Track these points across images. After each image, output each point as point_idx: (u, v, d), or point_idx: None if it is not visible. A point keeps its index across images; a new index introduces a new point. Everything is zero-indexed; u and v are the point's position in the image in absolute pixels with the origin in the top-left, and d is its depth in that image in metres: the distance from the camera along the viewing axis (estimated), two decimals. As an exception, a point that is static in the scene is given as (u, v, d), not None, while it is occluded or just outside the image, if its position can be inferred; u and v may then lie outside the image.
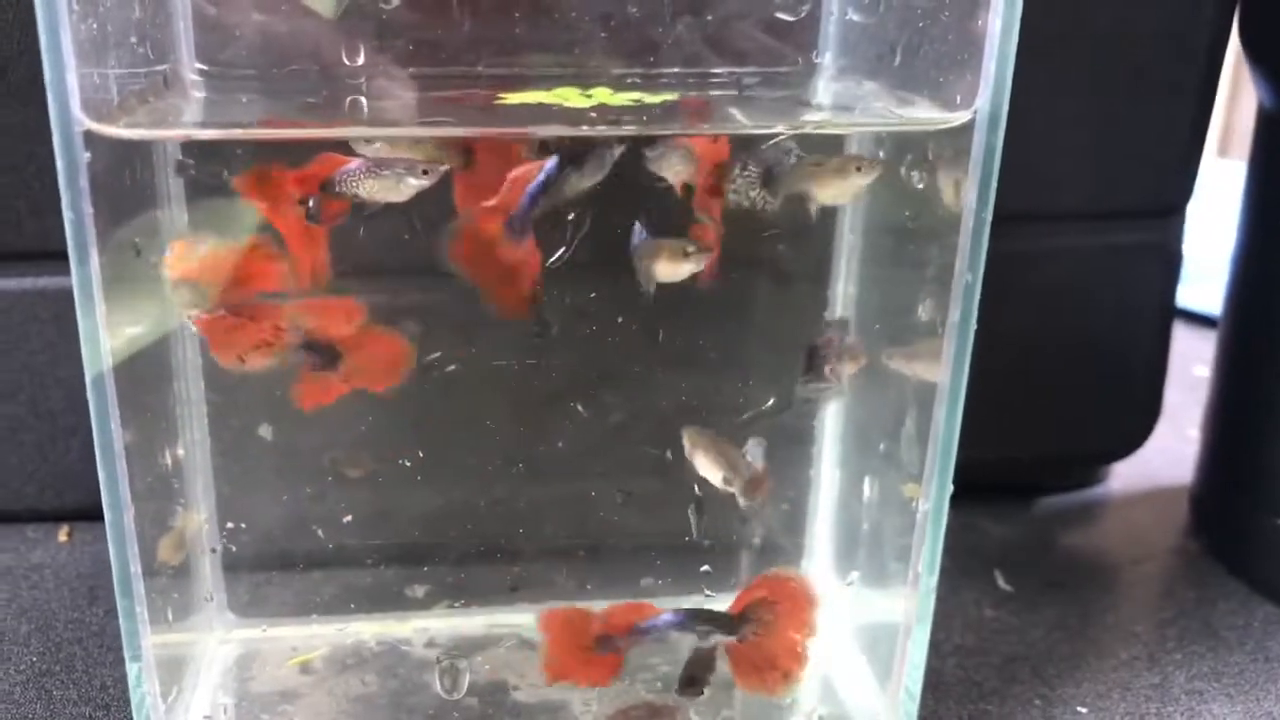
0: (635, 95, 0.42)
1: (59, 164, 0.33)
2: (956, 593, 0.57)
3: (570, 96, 0.41)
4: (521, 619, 0.50)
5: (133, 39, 0.39)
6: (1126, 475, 0.70)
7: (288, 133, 0.40)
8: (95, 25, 0.35)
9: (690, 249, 0.42)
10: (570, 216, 0.42)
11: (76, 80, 0.33)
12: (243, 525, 0.48)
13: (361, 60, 0.43)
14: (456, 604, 0.49)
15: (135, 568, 0.38)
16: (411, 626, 0.50)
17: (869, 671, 0.47)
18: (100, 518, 0.59)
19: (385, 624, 0.50)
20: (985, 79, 0.36)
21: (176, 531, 0.44)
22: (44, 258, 0.56)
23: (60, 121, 0.33)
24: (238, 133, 0.40)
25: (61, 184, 0.34)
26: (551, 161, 0.41)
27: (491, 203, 0.41)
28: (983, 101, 0.37)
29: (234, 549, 0.49)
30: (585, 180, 0.41)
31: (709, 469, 0.44)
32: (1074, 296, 0.62)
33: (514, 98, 0.42)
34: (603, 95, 0.41)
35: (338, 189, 0.39)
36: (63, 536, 0.60)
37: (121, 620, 0.39)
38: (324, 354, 0.42)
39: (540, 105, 0.41)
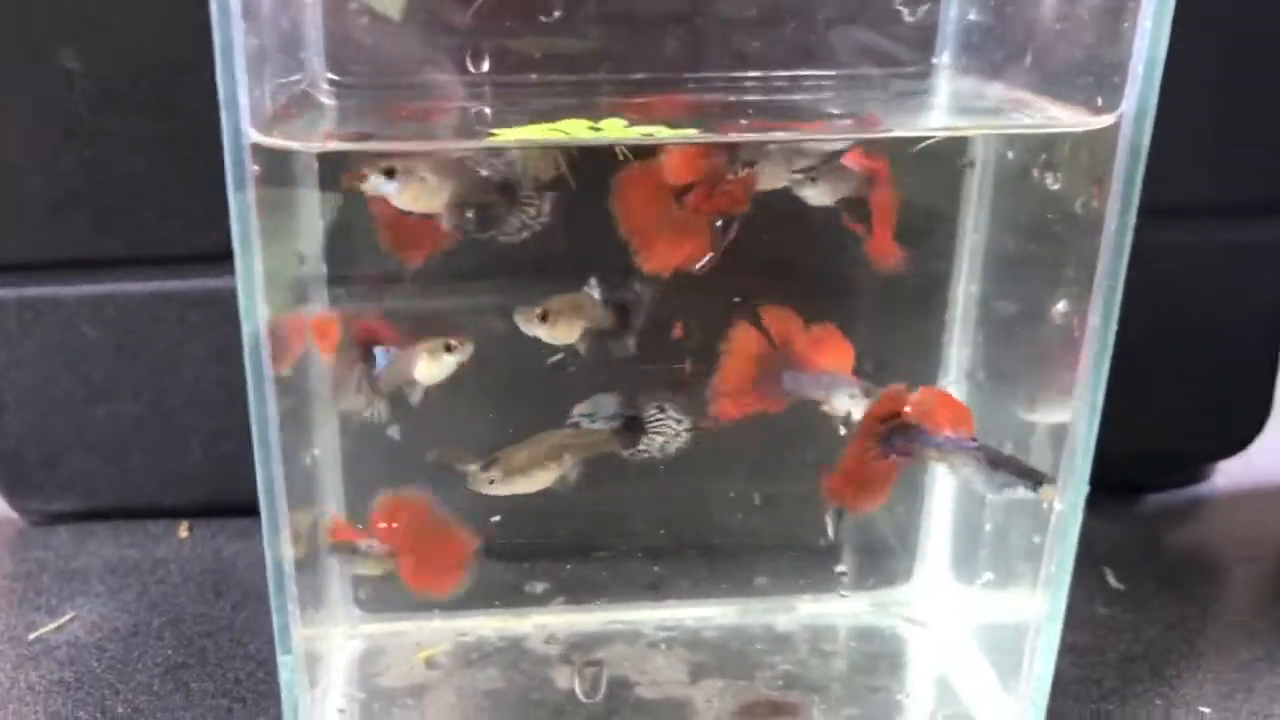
0: (650, 128, 0.38)
1: (229, 176, 0.34)
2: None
3: (577, 130, 0.38)
4: (645, 615, 0.51)
5: (282, 52, 0.40)
6: (1232, 473, 0.69)
7: (435, 145, 0.41)
8: (255, 40, 0.36)
9: (452, 343, 0.43)
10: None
11: (247, 95, 0.34)
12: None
13: (486, 68, 0.44)
14: (587, 601, 0.50)
15: (289, 565, 0.39)
16: (531, 623, 0.51)
17: (991, 673, 0.47)
18: (219, 514, 0.62)
19: (505, 620, 0.51)
20: (1133, 80, 0.36)
21: (315, 529, 0.45)
22: (169, 262, 0.57)
23: (231, 135, 0.34)
24: (397, 144, 0.41)
25: (230, 196, 0.35)
26: None
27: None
28: (1129, 104, 0.37)
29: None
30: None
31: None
32: (1184, 292, 0.61)
33: (509, 133, 0.38)
34: (614, 129, 0.38)
35: None
36: (183, 532, 0.62)
37: (274, 614, 0.40)
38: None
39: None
